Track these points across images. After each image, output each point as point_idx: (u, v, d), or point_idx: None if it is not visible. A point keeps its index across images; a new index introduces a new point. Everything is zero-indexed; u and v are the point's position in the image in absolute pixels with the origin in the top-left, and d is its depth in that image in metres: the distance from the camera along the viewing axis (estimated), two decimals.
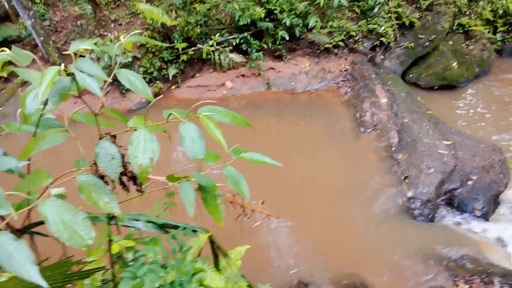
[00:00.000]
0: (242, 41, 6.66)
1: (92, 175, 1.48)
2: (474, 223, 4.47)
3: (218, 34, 6.60)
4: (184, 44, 6.42)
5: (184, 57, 6.47)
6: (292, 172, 4.94)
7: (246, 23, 6.52)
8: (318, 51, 6.88)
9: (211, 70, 6.76)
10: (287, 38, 6.68)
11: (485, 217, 4.51)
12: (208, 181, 1.79)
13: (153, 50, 6.51)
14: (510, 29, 7.46)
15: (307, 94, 6.48)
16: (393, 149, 5.17)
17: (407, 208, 4.55)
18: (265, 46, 6.77)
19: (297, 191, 4.74)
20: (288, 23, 6.55)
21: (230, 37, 6.67)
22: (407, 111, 5.58)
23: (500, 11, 7.21)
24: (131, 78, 1.42)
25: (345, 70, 6.66)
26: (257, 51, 6.71)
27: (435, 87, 6.88)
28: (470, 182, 4.70)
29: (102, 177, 1.58)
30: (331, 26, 6.82)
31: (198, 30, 6.59)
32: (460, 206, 4.63)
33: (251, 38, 6.68)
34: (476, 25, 7.16)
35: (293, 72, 6.67)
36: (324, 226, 4.37)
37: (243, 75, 6.70)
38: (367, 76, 6.33)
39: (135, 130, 1.43)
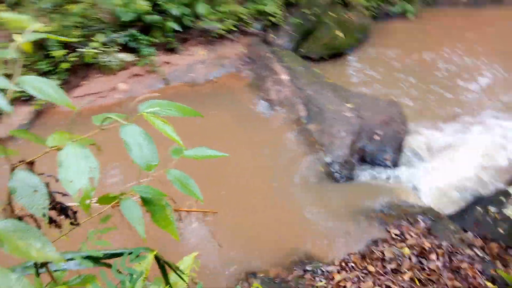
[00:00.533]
0: (129, 38, 6.20)
1: (11, 219, 1.13)
2: (387, 173, 4.80)
3: (100, 34, 6.05)
4: (63, 52, 5.75)
5: (64, 66, 5.80)
6: (213, 165, 4.75)
7: (131, 19, 6.08)
8: (212, 39, 6.73)
9: (99, 75, 6.17)
10: (178, 29, 6.40)
11: (395, 165, 4.87)
12: (153, 191, 1.53)
13: (27, 63, 5.72)
14: None
15: (209, 83, 6.30)
16: (304, 121, 5.29)
17: (328, 173, 4.70)
18: (155, 40, 6.40)
19: (222, 183, 4.58)
20: (176, 14, 6.27)
21: (115, 35, 6.16)
22: (308, 83, 5.75)
23: None
24: (40, 86, 1.10)
25: (242, 54, 6.62)
26: (148, 46, 6.31)
27: (326, 57, 7.22)
28: (376, 137, 5.01)
29: (20, 218, 1.23)
30: (220, 12, 6.71)
31: (76, 33, 5.95)
32: (372, 160, 4.92)
33: (139, 34, 6.26)
34: None
35: (189, 63, 6.42)
36: (256, 211, 4.29)
37: (136, 75, 6.25)
38: (264, 56, 6.38)
39: (59, 149, 1.11)
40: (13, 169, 1.13)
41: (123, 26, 6.28)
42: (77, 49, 5.84)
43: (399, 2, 8.15)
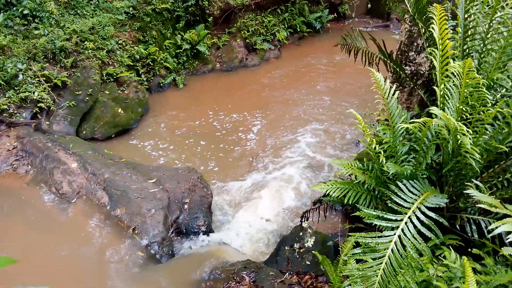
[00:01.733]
0: None
1: None
2: (205, 238, 5.03)
3: None
4: None
5: None
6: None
7: None
8: None
9: None
10: None
11: (209, 229, 5.16)
12: None
13: None
14: (148, 69, 8.64)
15: None
16: (108, 207, 5.00)
17: (149, 256, 4.56)
18: None
19: None
20: None
21: None
22: (103, 166, 5.50)
23: (137, 56, 8.22)
24: None
25: (13, 148, 5.77)
26: None
27: (112, 135, 7.10)
28: (186, 206, 5.21)
29: None
30: None
31: None
32: (187, 230, 5.07)
33: None
34: (122, 72, 7.85)
35: None
36: None
37: None
38: (43, 146, 5.75)
39: None
40: None
41: None
42: None
43: (168, 74, 8.86)
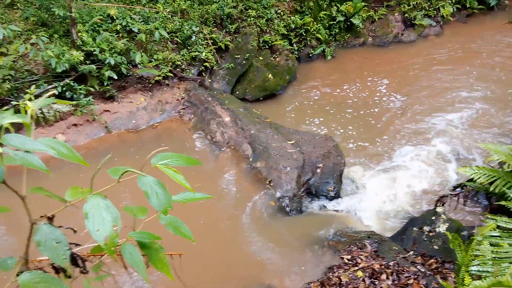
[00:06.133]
0: (65, 88, 6.07)
1: (33, 271, 1.23)
2: (332, 203, 5.24)
3: (33, 86, 5.85)
4: None
5: None
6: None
7: (65, 69, 5.99)
8: (150, 85, 6.85)
9: (35, 127, 5.93)
10: (115, 77, 6.43)
11: (338, 195, 5.34)
12: (149, 236, 1.67)
13: None
14: (300, 39, 8.97)
15: (152, 128, 6.37)
16: (251, 159, 5.59)
17: (279, 207, 5.00)
18: (92, 89, 6.35)
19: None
20: (112, 62, 6.31)
21: (49, 86, 6.01)
22: (251, 123, 6.11)
23: (293, 26, 8.62)
24: (56, 146, 1.25)
25: (182, 99, 6.83)
26: (85, 96, 6.23)
27: (261, 98, 7.72)
28: (318, 170, 5.48)
29: (40, 269, 1.32)
30: (156, 59, 6.89)
31: (6, 86, 5.71)
32: (317, 192, 5.35)
33: (75, 83, 6.17)
34: (276, 40, 8.36)
35: (130, 110, 6.45)
36: (218, 252, 4.41)
37: (75, 124, 6.11)
38: (205, 100, 6.65)
39: (84, 202, 1.25)
40: (33, 224, 1.25)
41: (57, 76, 6.16)
42: (10, 103, 5.58)
43: (318, 45, 9.05)
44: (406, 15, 9.66)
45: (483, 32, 9.58)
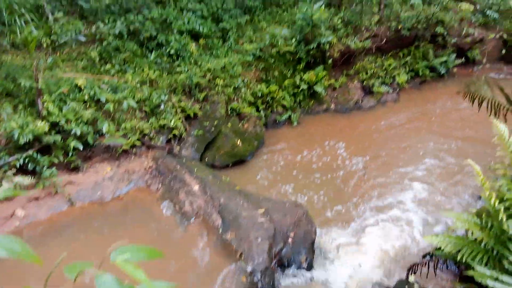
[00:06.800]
0: (27, 160, 5.87)
1: None
2: (304, 275, 5.13)
3: None
4: None
5: None
6: None
7: (28, 140, 5.84)
8: (117, 154, 6.75)
9: None
10: (81, 148, 6.31)
11: (311, 265, 5.25)
12: None
13: None
14: (267, 106, 9.28)
15: (118, 200, 6.17)
16: (221, 230, 5.47)
17: (251, 283, 4.82)
18: (56, 160, 6.17)
19: None
20: (78, 132, 6.23)
21: (10, 158, 5.79)
22: (220, 191, 6.06)
23: (259, 94, 8.94)
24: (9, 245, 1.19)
25: (149, 167, 6.73)
26: (48, 167, 6.04)
27: (230, 164, 7.75)
28: (289, 240, 5.41)
29: None
30: (124, 128, 6.87)
31: None
32: (289, 263, 5.24)
33: (38, 155, 5.98)
34: (244, 107, 8.60)
35: (96, 180, 6.27)
36: None
37: (36, 198, 5.83)
38: (173, 168, 6.59)
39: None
40: None
41: (19, 148, 5.97)
42: None
43: (284, 112, 9.38)
44: (364, 83, 10.30)
45: (437, 98, 10.31)
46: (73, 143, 6.20)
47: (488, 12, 11.68)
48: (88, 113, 6.54)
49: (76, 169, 6.36)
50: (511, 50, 11.05)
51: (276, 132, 9.19)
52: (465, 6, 11.06)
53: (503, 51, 11.59)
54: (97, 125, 6.62)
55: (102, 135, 6.68)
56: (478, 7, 11.90)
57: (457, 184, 6.80)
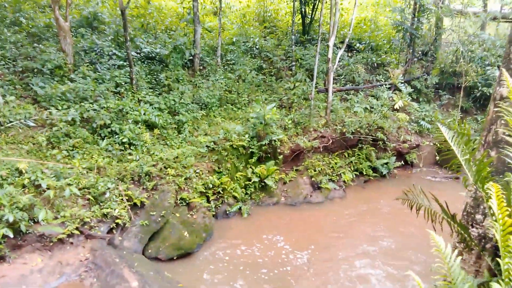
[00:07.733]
0: None
1: None
2: None
3: None
4: None
5: None
6: None
7: None
8: (51, 244, 6.24)
9: None
10: (11, 236, 5.79)
11: None
12: None
13: None
14: (218, 197, 9.25)
15: None
16: None
17: None
18: None
19: None
20: (11, 219, 5.77)
21: None
22: None
23: (210, 185, 8.94)
24: None
25: (85, 259, 6.25)
26: None
27: (175, 257, 7.38)
28: None
29: None
30: (63, 216, 6.47)
31: None
32: None
33: None
34: (194, 198, 8.50)
35: (22, 273, 5.67)
36: None
37: None
38: (112, 261, 6.16)
39: None
40: None
41: None
42: None
43: (235, 203, 9.36)
44: (313, 179, 10.69)
45: (380, 196, 10.82)
46: (2, 231, 5.70)
47: (422, 122, 13.02)
48: (25, 198, 6.16)
49: (1, 259, 5.76)
50: (444, 156, 12.14)
51: (226, 223, 9.04)
52: (401, 115, 12.27)
53: (437, 158, 12.69)
54: (33, 211, 6.20)
55: (37, 222, 6.23)
56: (413, 117, 13.27)
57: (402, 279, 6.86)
